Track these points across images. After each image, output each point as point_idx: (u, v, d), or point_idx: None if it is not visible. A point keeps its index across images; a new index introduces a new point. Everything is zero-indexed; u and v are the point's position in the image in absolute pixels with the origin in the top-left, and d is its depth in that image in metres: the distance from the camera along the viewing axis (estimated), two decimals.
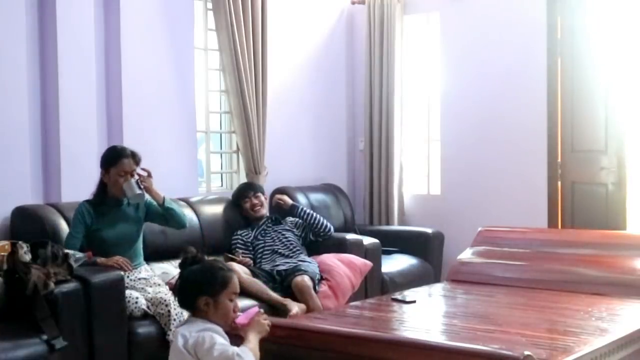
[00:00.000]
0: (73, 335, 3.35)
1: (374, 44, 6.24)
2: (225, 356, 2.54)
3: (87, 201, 4.00)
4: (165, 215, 4.10)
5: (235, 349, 2.58)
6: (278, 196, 5.34)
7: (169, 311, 3.67)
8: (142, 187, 3.98)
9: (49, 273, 3.35)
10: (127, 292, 3.70)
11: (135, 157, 4.01)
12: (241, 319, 2.71)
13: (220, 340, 2.60)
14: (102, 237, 3.93)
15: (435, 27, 6.23)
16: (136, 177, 4.00)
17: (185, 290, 2.72)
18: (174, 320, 3.64)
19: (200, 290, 2.66)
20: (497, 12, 5.84)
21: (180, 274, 2.76)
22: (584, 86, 5.49)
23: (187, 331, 2.62)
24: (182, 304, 2.83)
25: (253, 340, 2.69)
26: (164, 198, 4.09)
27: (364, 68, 6.37)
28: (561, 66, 5.58)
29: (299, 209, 5.16)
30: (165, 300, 3.71)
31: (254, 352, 2.64)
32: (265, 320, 2.77)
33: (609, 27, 5.40)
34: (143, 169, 4.04)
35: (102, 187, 4.02)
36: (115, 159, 3.96)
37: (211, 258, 2.88)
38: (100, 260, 3.78)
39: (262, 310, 2.85)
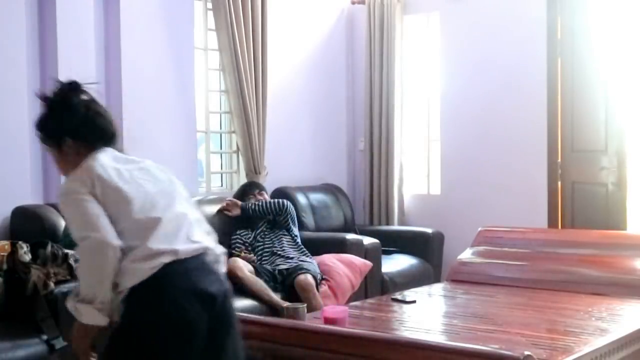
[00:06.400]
0: None
1: (374, 43, 6.24)
2: None
3: None
4: None
5: None
6: (224, 206, 4.96)
7: None
8: None
9: (49, 273, 3.35)
10: None
11: None
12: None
13: None
14: None
15: (435, 27, 6.23)
16: None
17: None
18: None
19: None
20: (497, 12, 5.84)
21: None
22: (584, 86, 5.49)
23: None
24: None
25: None
26: None
27: (364, 68, 6.36)
28: (561, 66, 5.57)
29: (248, 209, 4.91)
30: None
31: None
32: None
33: (609, 27, 5.40)
34: None
35: None
36: None
37: None
38: None
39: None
